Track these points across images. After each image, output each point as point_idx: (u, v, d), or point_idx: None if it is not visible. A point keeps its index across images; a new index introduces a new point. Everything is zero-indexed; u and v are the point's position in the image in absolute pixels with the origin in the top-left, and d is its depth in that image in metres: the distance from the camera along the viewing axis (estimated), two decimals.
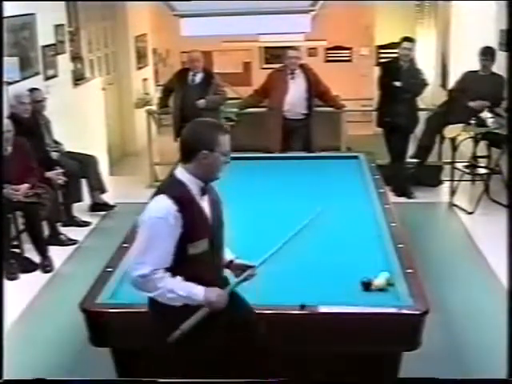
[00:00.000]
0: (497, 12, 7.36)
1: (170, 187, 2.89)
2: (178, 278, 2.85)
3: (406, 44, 7.10)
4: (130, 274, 2.91)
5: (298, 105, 7.14)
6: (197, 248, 2.87)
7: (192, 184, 2.90)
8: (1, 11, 5.24)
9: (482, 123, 6.89)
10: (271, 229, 4.28)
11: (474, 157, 7.14)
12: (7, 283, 5.17)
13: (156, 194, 2.90)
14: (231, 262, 3.13)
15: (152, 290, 2.84)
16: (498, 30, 7.33)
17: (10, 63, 6.12)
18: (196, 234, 2.87)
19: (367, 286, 3.49)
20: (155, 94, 10.14)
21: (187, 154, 2.90)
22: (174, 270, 2.85)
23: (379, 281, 3.51)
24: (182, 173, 2.92)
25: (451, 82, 8.22)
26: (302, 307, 3.23)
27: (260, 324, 3.08)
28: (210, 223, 2.94)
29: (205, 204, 2.95)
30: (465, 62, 8.26)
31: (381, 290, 3.50)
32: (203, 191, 2.94)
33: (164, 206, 2.81)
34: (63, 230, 6.39)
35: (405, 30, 9.33)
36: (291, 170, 5.79)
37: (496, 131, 6.80)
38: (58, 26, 7.38)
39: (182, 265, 2.86)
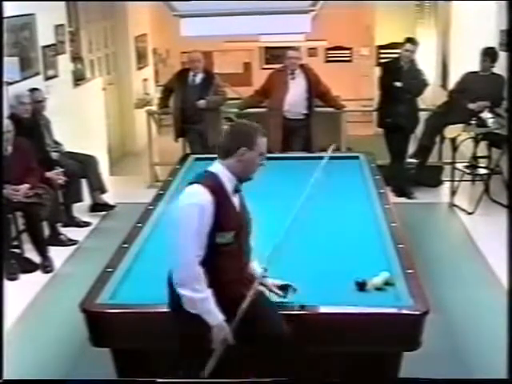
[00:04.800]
0: (497, 12, 7.36)
1: (205, 179, 3.02)
2: (210, 291, 2.97)
3: (408, 46, 7.06)
4: (173, 263, 2.99)
5: (298, 105, 7.15)
6: (223, 238, 3.00)
7: (226, 179, 3.04)
8: (1, 11, 5.24)
9: (482, 123, 6.89)
10: (270, 228, 4.29)
11: (475, 157, 7.13)
12: (7, 283, 5.16)
13: (189, 184, 3.04)
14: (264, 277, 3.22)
15: (188, 283, 2.93)
16: (498, 30, 7.33)
17: (10, 63, 6.12)
18: (226, 225, 2.99)
19: (362, 286, 3.49)
20: (155, 94, 10.15)
21: (227, 150, 3.05)
22: (202, 261, 2.98)
23: (376, 280, 3.51)
24: (217, 167, 3.06)
25: (451, 83, 8.22)
26: (302, 307, 3.23)
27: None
28: (238, 218, 3.08)
29: (235, 200, 3.09)
30: (465, 62, 8.25)
31: (378, 289, 3.50)
32: (236, 189, 3.09)
33: (200, 193, 2.95)
34: (63, 230, 6.39)
35: (405, 30, 9.36)
36: (291, 170, 5.78)
37: (496, 131, 6.80)
38: (58, 26, 7.38)
39: (208, 255, 2.98)
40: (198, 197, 2.95)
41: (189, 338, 3.09)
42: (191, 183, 3.03)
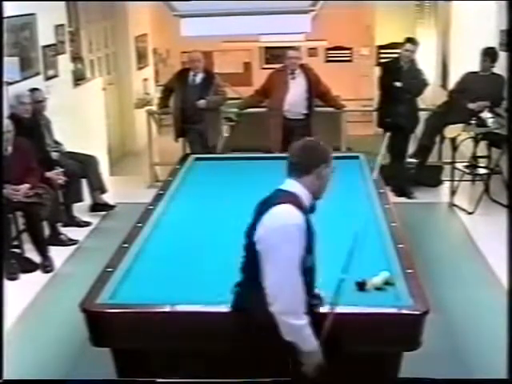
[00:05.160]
0: (497, 12, 7.36)
1: (288, 198, 2.84)
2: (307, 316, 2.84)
3: (408, 46, 7.08)
4: (275, 289, 2.77)
5: (299, 105, 7.15)
6: (310, 260, 2.87)
7: (305, 197, 2.89)
8: (1, 11, 5.24)
9: (482, 123, 6.89)
10: None
11: (474, 157, 7.13)
12: (7, 283, 5.15)
13: (271, 205, 2.83)
14: None
15: (295, 310, 2.78)
16: (498, 30, 7.33)
17: (11, 63, 6.12)
18: (312, 247, 2.88)
19: (361, 286, 3.48)
20: (155, 94, 10.15)
21: (305, 167, 2.89)
22: None
23: (376, 279, 3.50)
24: (294, 186, 2.90)
25: (451, 83, 8.22)
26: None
27: None
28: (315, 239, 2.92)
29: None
30: (465, 62, 8.26)
31: (378, 289, 3.50)
32: (312, 208, 2.93)
33: (293, 212, 2.78)
34: (63, 230, 6.39)
35: (405, 30, 9.37)
36: None
37: (496, 131, 6.80)
38: (58, 26, 7.38)
39: None
40: (293, 216, 2.77)
41: (252, 339, 2.91)
42: (273, 204, 2.82)
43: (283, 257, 2.75)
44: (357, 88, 11.28)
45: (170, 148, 7.93)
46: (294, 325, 2.79)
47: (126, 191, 7.71)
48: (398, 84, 7.04)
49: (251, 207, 4.78)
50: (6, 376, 3.47)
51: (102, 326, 3.37)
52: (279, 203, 2.81)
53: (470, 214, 6.78)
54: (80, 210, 6.86)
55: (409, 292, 3.42)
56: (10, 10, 5.77)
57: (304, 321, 2.81)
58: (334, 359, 2.95)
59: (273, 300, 2.77)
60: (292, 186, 2.90)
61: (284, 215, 2.78)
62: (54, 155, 6.52)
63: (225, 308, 3.15)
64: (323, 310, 3.11)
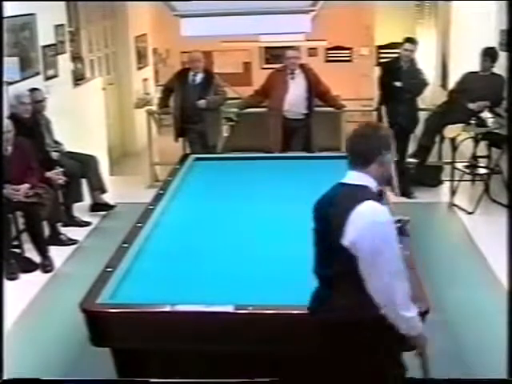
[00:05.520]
0: (497, 12, 7.36)
1: (366, 194, 2.72)
2: None
3: (407, 45, 7.10)
4: (390, 289, 2.67)
5: (298, 105, 7.16)
6: None
7: (374, 189, 2.77)
8: (1, 11, 5.24)
9: (482, 123, 6.89)
10: (270, 230, 4.29)
11: (474, 157, 7.14)
12: (7, 283, 5.15)
13: (355, 203, 2.66)
14: None
15: (410, 302, 2.75)
16: (498, 30, 7.33)
17: (11, 63, 6.12)
18: None
19: None
20: (155, 94, 10.15)
21: (369, 156, 2.76)
22: None
23: None
24: (362, 178, 2.77)
25: (451, 82, 8.22)
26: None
27: None
28: None
29: None
30: (465, 62, 8.26)
31: None
32: (380, 195, 2.80)
33: (381, 208, 2.69)
34: (63, 229, 6.39)
35: (405, 30, 9.36)
36: (291, 170, 5.79)
37: (496, 131, 6.81)
38: (58, 26, 7.38)
39: None
40: (384, 212, 2.68)
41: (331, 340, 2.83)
42: (355, 202, 2.66)
43: (389, 256, 2.66)
44: (357, 88, 11.28)
45: (169, 148, 7.93)
46: (411, 317, 2.75)
47: (126, 191, 7.71)
48: (397, 84, 7.06)
49: (251, 207, 4.81)
50: (6, 376, 3.47)
51: (101, 325, 3.36)
52: (361, 201, 2.67)
53: (470, 213, 6.78)
54: (80, 209, 6.86)
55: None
56: (10, 10, 5.77)
57: (415, 310, 2.78)
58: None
59: (387, 302, 2.69)
60: (359, 178, 2.77)
61: (376, 214, 2.66)
62: (54, 155, 6.52)
63: (230, 308, 3.16)
64: None
